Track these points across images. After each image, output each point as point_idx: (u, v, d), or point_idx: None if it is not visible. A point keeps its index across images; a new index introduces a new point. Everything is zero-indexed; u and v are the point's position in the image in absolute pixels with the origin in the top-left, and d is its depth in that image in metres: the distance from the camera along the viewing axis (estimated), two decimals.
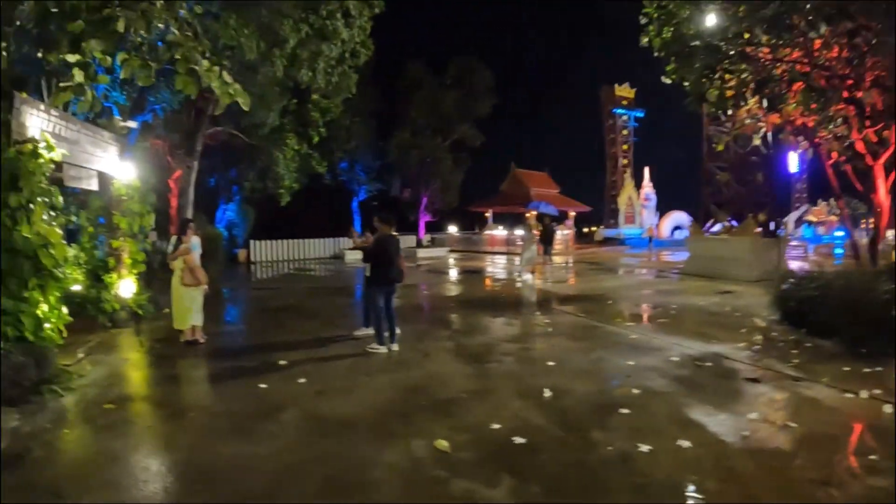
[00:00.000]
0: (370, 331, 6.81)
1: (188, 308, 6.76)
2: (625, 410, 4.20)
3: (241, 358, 6.24)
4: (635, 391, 4.68)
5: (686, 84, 8.61)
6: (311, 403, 4.57)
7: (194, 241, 6.97)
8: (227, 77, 5.37)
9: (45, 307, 5.27)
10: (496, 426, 3.90)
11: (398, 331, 6.52)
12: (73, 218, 8.19)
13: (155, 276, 9.69)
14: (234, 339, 7.48)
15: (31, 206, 5.30)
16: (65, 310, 5.62)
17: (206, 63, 5.13)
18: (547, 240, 16.11)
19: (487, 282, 14.60)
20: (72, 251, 7.74)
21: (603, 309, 9.26)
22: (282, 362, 5.88)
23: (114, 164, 7.94)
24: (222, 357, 6.40)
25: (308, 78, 12.61)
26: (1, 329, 4.68)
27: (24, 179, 5.19)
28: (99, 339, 7.05)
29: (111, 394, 4.98)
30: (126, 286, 8.29)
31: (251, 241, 22.19)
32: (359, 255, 23.23)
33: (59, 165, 6.23)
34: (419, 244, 28.43)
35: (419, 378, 5.28)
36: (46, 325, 5.22)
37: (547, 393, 4.62)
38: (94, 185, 7.33)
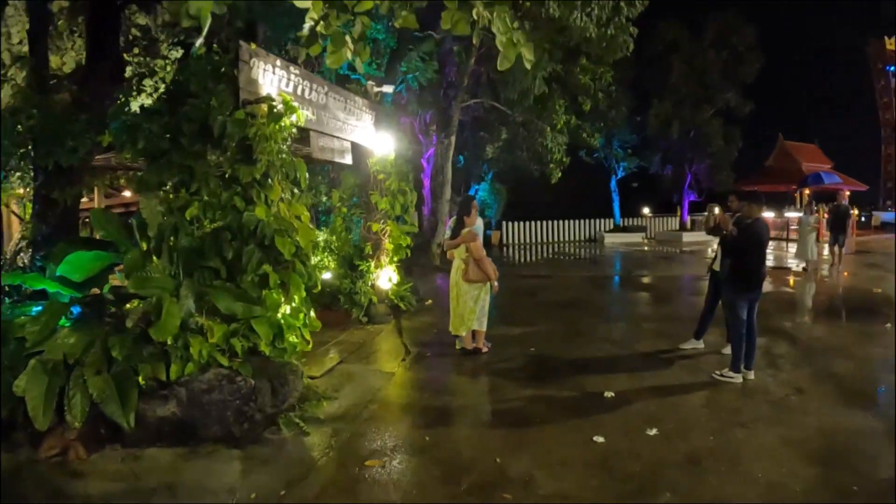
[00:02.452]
0: (701, 345, 5.55)
1: (472, 310, 5.25)
2: None
3: (545, 382, 4.72)
4: None
5: None
6: (690, 482, 3.06)
7: (478, 225, 5.40)
8: (508, 21, 3.39)
9: (286, 309, 4.15)
10: None
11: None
12: (324, 198, 7.40)
13: (416, 262, 8.75)
14: (523, 350, 5.61)
15: (269, 180, 4.22)
16: (312, 313, 4.47)
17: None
18: (839, 226, 11.64)
19: (782, 276, 10.93)
20: (322, 235, 6.96)
21: None
22: (608, 394, 4.38)
23: (370, 136, 6.89)
24: (518, 379, 4.83)
25: (583, 24, 10.04)
26: (226, 342, 3.54)
27: (260, 147, 4.07)
28: (353, 338, 6.01)
29: (373, 437, 3.61)
30: (385, 275, 7.27)
31: (503, 223, 21.26)
32: (620, 238, 20.40)
33: (304, 134, 5.22)
34: (682, 227, 24.63)
35: (817, 434, 3.65)
36: (288, 333, 4.08)
37: None
38: (347, 158, 6.30)
